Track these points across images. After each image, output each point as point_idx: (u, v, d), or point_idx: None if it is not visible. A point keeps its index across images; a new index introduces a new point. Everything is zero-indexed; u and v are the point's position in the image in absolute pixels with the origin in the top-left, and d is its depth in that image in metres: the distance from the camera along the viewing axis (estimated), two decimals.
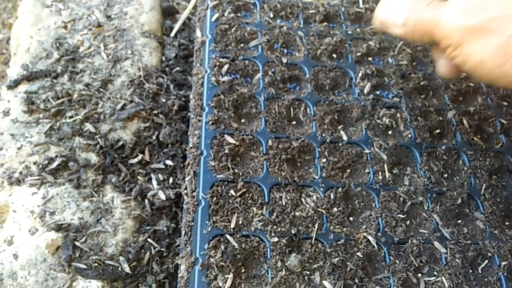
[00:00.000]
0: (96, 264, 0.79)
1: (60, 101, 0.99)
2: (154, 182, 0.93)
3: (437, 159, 1.01)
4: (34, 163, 0.90)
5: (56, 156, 0.91)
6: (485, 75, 0.73)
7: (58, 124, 0.96)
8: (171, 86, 1.09)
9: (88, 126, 0.96)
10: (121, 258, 0.81)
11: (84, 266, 0.78)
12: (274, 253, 0.82)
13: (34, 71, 1.04)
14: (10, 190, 0.89)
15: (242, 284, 0.77)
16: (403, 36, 0.87)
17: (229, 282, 0.76)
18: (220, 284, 0.76)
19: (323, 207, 0.90)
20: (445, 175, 1.00)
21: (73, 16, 1.17)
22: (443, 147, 1.03)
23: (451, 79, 1.13)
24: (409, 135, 1.03)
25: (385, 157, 0.98)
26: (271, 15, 1.22)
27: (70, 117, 0.97)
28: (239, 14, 1.22)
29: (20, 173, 0.89)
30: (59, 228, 0.82)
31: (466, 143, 1.05)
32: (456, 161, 1.02)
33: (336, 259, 0.83)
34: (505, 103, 1.15)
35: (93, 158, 0.93)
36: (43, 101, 0.99)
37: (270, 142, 0.97)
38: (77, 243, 0.81)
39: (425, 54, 1.20)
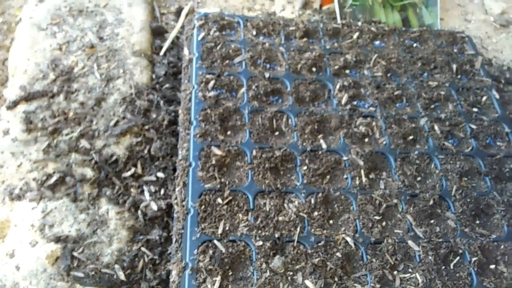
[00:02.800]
0: (93, 273, 0.85)
1: (56, 119, 1.05)
2: (147, 194, 0.99)
3: (411, 164, 1.09)
4: (33, 179, 0.96)
5: (54, 172, 0.97)
6: None
7: (55, 142, 1.02)
8: (161, 102, 1.16)
9: (84, 143, 1.02)
10: (116, 266, 0.87)
11: (82, 275, 0.84)
12: (259, 256, 0.88)
13: (32, 91, 1.10)
14: (11, 206, 0.94)
15: (230, 286, 0.84)
16: None
17: (217, 284, 0.83)
18: (209, 286, 0.82)
19: (305, 211, 0.96)
20: (418, 179, 1.07)
21: (67, 38, 1.24)
22: (416, 152, 1.11)
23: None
24: (384, 142, 1.11)
25: (362, 163, 1.05)
26: (254, 33, 1.29)
27: (66, 134, 1.03)
28: (224, 33, 1.29)
29: (20, 189, 0.95)
30: (58, 239, 0.87)
31: (437, 148, 1.12)
32: (429, 165, 1.10)
33: (317, 259, 0.89)
34: (475, 109, 1.23)
35: (89, 172, 0.99)
36: (41, 120, 1.05)
37: (254, 152, 1.04)
38: (75, 254, 0.86)
39: (398, 65, 1.28)
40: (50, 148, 1.01)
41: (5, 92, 2.08)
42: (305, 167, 1.04)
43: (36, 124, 1.05)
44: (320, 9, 1.52)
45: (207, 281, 0.83)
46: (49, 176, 0.97)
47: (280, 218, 0.95)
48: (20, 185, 0.96)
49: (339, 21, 1.39)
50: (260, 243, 0.90)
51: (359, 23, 1.37)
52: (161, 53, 1.31)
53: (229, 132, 1.08)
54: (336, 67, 1.24)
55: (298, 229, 0.93)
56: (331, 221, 0.97)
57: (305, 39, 1.30)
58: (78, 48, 1.22)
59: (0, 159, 1.00)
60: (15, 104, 1.09)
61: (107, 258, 0.88)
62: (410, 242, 0.95)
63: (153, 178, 1.02)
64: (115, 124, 1.07)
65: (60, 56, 1.20)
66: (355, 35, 1.33)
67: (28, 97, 1.10)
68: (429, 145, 1.12)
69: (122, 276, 0.86)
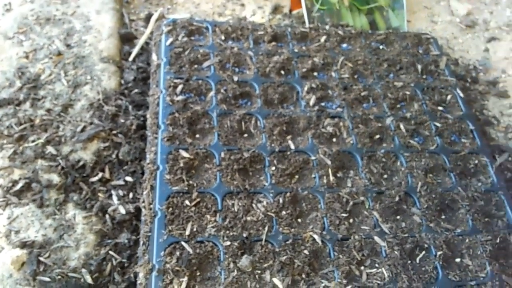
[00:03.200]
0: (59, 277, 0.84)
1: (22, 126, 1.04)
2: (115, 198, 0.99)
3: (377, 162, 1.11)
4: None
5: (20, 179, 0.96)
6: None
7: (21, 149, 1.01)
8: (130, 107, 1.16)
9: (50, 149, 1.02)
10: (83, 270, 0.86)
11: (48, 279, 0.83)
12: (226, 256, 0.89)
13: None
14: None
15: (197, 286, 0.84)
16: None
17: (184, 285, 0.83)
18: (176, 287, 0.82)
19: (273, 211, 0.97)
20: (385, 176, 1.09)
21: (34, 46, 1.23)
22: (382, 150, 1.13)
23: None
24: (351, 142, 1.13)
25: (329, 162, 1.07)
26: (223, 38, 1.31)
27: (33, 141, 1.03)
28: (192, 38, 1.30)
29: None
30: (23, 245, 0.87)
31: (403, 146, 1.15)
32: (395, 163, 1.12)
33: (285, 257, 0.90)
34: (440, 108, 1.26)
35: (55, 178, 0.98)
36: (7, 128, 1.04)
37: (222, 154, 1.05)
38: (41, 258, 0.86)
39: (365, 67, 1.31)
40: (16, 155, 1.00)
41: None
42: (273, 168, 1.05)
43: (2, 131, 1.04)
44: (290, 13, 1.54)
45: (173, 282, 0.83)
46: (15, 182, 0.96)
47: (249, 218, 0.95)
48: None
49: (307, 25, 1.42)
50: (228, 243, 0.90)
51: (327, 27, 1.40)
52: (130, 58, 1.31)
53: (197, 135, 1.09)
54: (304, 69, 1.26)
55: (266, 228, 0.94)
56: (299, 220, 0.98)
57: (273, 43, 1.32)
58: (45, 56, 1.22)
59: None
60: None
61: (74, 262, 0.88)
62: (376, 238, 0.97)
63: (121, 182, 1.02)
64: (82, 130, 1.07)
65: (26, 64, 1.20)
66: (323, 39, 1.35)
67: None
68: (395, 144, 1.15)
69: (89, 279, 0.85)
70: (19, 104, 1.10)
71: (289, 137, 1.12)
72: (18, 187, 0.95)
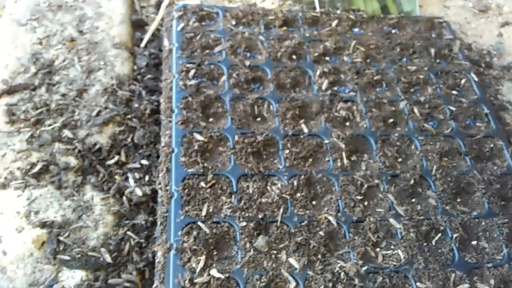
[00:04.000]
0: (79, 256, 0.85)
1: (39, 111, 1.06)
2: (131, 181, 1.00)
3: (391, 146, 1.11)
4: (18, 168, 0.97)
5: (38, 161, 0.97)
6: None
7: (38, 132, 1.02)
8: (143, 92, 1.17)
9: (67, 133, 1.03)
10: (102, 249, 0.87)
11: (68, 258, 0.84)
12: (243, 236, 0.89)
13: (14, 85, 1.10)
14: None
15: (214, 264, 0.85)
16: None
17: (201, 263, 0.84)
18: (194, 265, 0.83)
19: (287, 193, 0.98)
20: (399, 159, 1.09)
21: (47, 32, 1.24)
22: (396, 134, 1.13)
23: None
24: (365, 125, 1.13)
25: (343, 146, 1.07)
26: (234, 23, 1.31)
27: (49, 125, 1.04)
28: (203, 23, 1.31)
29: (5, 178, 0.95)
30: (43, 225, 0.88)
31: (417, 130, 1.14)
32: (409, 147, 1.12)
33: (300, 238, 0.91)
34: (454, 92, 1.26)
35: (72, 161, 0.99)
36: (23, 112, 1.05)
37: (236, 138, 1.05)
38: (61, 238, 0.87)
39: (377, 51, 1.30)
40: (33, 138, 1.02)
41: None
42: (287, 151, 1.05)
43: (19, 116, 1.05)
44: None
45: (191, 260, 0.84)
46: (33, 165, 0.97)
47: (263, 200, 0.96)
48: (5, 175, 0.96)
49: (318, 9, 1.42)
50: (244, 223, 0.91)
51: (338, 11, 1.39)
52: (142, 45, 1.32)
53: (211, 119, 1.09)
54: (316, 54, 1.26)
55: (281, 209, 0.95)
56: (313, 202, 0.99)
57: (284, 28, 1.32)
58: (58, 42, 1.23)
59: None
60: None
61: (93, 242, 0.89)
62: (391, 220, 0.97)
63: (137, 165, 1.03)
64: (98, 114, 1.08)
65: (40, 50, 1.21)
66: (334, 23, 1.35)
67: (10, 90, 1.10)
68: (409, 127, 1.14)
69: (108, 258, 0.86)
70: (34, 89, 1.11)
71: (302, 121, 1.12)
72: (36, 169, 0.96)
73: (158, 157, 1.07)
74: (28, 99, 1.09)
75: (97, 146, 1.03)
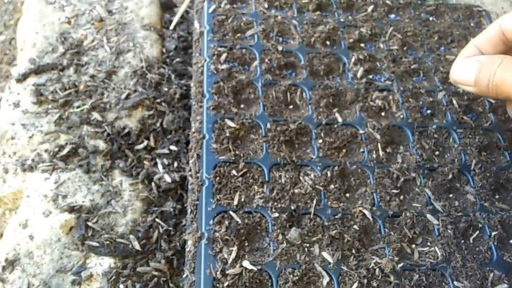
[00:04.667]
0: (108, 242, 0.83)
1: (67, 92, 1.03)
2: (160, 166, 0.98)
3: (428, 138, 1.06)
4: (45, 150, 0.95)
5: (66, 144, 0.96)
6: None
7: (66, 114, 1.00)
8: (172, 76, 1.14)
9: (95, 115, 1.00)
10: (131, 236, 0.86)
11: (97, 244, 0.83)
12: (275, 227, 0.87)
13: (41, 64, 1.08)
14: (23, 177, 0.93)
15: (246, 256, 0.82)
16: (478, 94, 0.88)
17: (233, 254, 0.81)
18: (226, 256, 0.81)
19: (321, 184, 0.94)
20: (437, 153, 1.05)
21: (75, 11, 1.21)
22: (434, 126, 1.08)
23: None
24: (401, 116, 1.08)
25: (378, 137, 1.03)
26: (266, 6, 1.26)
27: (78, 107, 1.02)
28: (234, 6, 1.26)
29: (33, 160, 0.94)
30: (71, 209, 0.86)
31: (456, 122, 1.09)
32: (447, 139, 1.07)
33: (334, 231, 0.88)
34: None
35: (101, 144, 0.97)
36: (51, 93, 1.03)
37: (268, 125, 1.02)
38: (89, 223, 0.85)
39: (415, 39, 1.25)
40: (61, 120, 1.00)
41: (12, 70, 2.07)
42: (320, 141, 1.01)
43: (47, 96, 1.03)
44: None
45: (223, 251, 0.81)
46: (61, 147, 0.95)
47: (296, 191, 0.93)
48: (32, 156, 0.94)
49: None
50: (276, 214, 0.88)
51: None
52: (171, 27, 1.28)
53: (242, 105, 1.06)
54: (351, 40, 1.21)
55: (315, 201, 0.91)
56: (347, 194, 0.95)
57: (318, 12, 1.27)
58: (87, 22, 1.20)
59: (11, 130, 0.99)
60: (24, 77, 1.08)
61: (122, 228, 0.87)
62: (429, 216, 0.93)
63: (166, 151, 1.01)
64: (127, 97, 1.05)
65: (69, 29, 1.18)
66: (370, 8, 1.29)
67: (38, 70, 1.08)
68: (447, 119, 1.10)
69: (137, 246, 0.84)
70: (63, 70, 1.08)
71: (335, 109, 1.08)
72: (64, 152, 0.94)
73: (186, 143, 1.05)
74: (56, 79, 1.06)
75: (126, 130, 1.00)
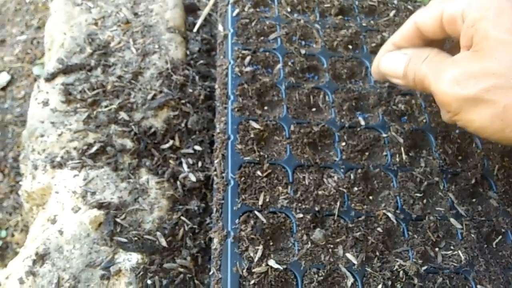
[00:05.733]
0: (136, 238, 0.85)
1: (95, 92, 1.06)
2: (185, 166, 0.99)
3: (451, 143, 1.06)
4: (74, 148, 0.97)
5: (95, 142, 0.98)
6: (488, 137, 0.76)
7: (94, 113, 1.02)
8: (196, 77, 1.15)
9: (123, 115, 1.02)
10: (158, 233, 0.87)
11: (125, 240, 0.84)
12: (299, 228, 0.88)
13: (70, 64, 1.11)
14: (53, 173, 0.95)
15: (272, 255, 0.83)
16: (407, 87, 0.89)
17: (259, 253, 0.82)
18: (252, 254, 0.82)
19: (344, 186, 0.95)
20: (459, 157, 1.05)
21: (102, 13, 1.24)
22: (457, 131, 1.08)
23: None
24: (424, 120, 1.09)
25: (401, 140, 1.04)
26: (289, 9, 1.28)
27: (105, 106, 1.04)
28: (258, 9, 1.28)
29: (62, 157, 0.96)
30: (100, 206, 0.88)
31: None
32: (470, 144, 1.07)
33: (358, 233, 0.88)
34: None
35: (128, 143, 0.99)
36: (80, 92, 1.06)
37: (292, 127, 1.03)
38: (118, 220, 0.87)
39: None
40: (90, 119, 1.02)
41: (34, 69, 2.11)
42: (343, 143, 1.02)
43: (75, 95, 1.06)
44: None
45: (249, 250, 0.82)
46: (90, 145, 0.97)
47: (320, 192, 0.94)
48: (61, 154, 0.96)
49: None
50: (301, 215, 0.89)
51: (395, 1, 1.35)
52: (195, 29, 1.31)
53: (266, 107, 1.07)
54: (373, 44, 1.22)
55: (338, 203, 0.92)
56: (371, 197, 0.96)
57: (340, 17, 1.28)
58: (114, 24, 1.23)
59: (40, 128, 1.01)
60: (53, 76, 1.10)
61: (149, 225, 0.89)
62: (452, 220, 0.94)
63: (190, 150, 1.02)
64: (153, 98, 1.07)
65: (96, 31, 1.21)
66: (392, 13, 1.30)
67: (66, 70, 1.11)
68: None
69: (164, 242, 0.86)
70: (90, 70, 1.11)
71: (358, 112, 1.09)
72: (93, 150, 0.96)
73: (210, 143, 1.06)
74: (84, 79, 1.09)
75: (152, 130, 1.02)
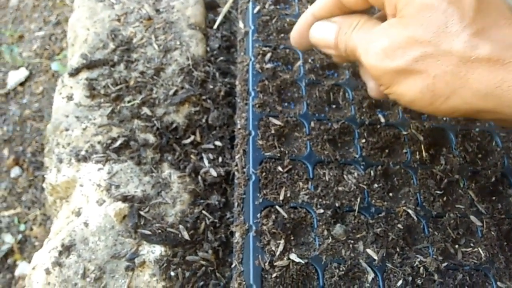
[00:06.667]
0: (159, 231, 0.87)
1: (118, 87, 1.07)
2: (206, 161, 1.01)
3: (471, 141, 1.07)
4: (99, 142, 0.99)
5: (118, 136, 0.99)
6: (420, 109, 0.73)
7: (118, 108, 1.04)
8: (217, 74, 1.17)
9: (145, 110, 1.04)
10: (180, 226, 0.89)
11: (149, 233, 0.86)
12: (320, 223, 0.89)
13: (93, 60, 1.13)
14: (78, 167, 0.97)
15: (293, 249, 0.85)
16: (340, 60, 0.85)
17: (281, 247, 0.84)
18: (273, 248, 0.83)
19: (364, 183, 0.96)
20: (479, 155, 1.05)
21: (125, 10, 1.26)
22: (477, 129, 1.08)
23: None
24: (444, 118, 1.09)
25: (421, 138, 1.04)
26: (309, 7, 1.28)
27: (129, 101, 1.06)
28: (278, 6, 1.29)
29: (86, 151, 0.98)
30: (124, 199, 0.90)
31: (498, 126, 1.09)
32: (490, 143, 1.07)
33: (378, 229, 0.89)
34: None
35: (151, 138, 1.01)
36: (103, 87, 1.08)
37: (312, 124, 1.04)
38: (142, 213, 0.89)
39: None
40: (113, 113, 1.04)
41: (52, 65, 2.15)
42: (363, 140, 1.03)
43: (99, 90, 1.08)
44: None
45: (271, 244, 0.84)
46: (114, 140, 0.99)
47: (340, 188, 0.95)
48: (86, 148, 0.98)
49: None
50: (321, 211, 0.90)
51: None
52: (215, 26, 1.32)
53: (286, 104, 1.08)
54: None
55: (359, 199, 0.93)
56: (391, 194, 0.97)
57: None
58: (136, 20, 1.24)
59: (65, 122, 1.03)
60: (77, 71, 1.12)
61: (172, 219, 0.90)
62: (472, 217, 0.94)
63: (211, 146, 1.04)
64: (175, 93, 1.09)
65: (118, 27, 1.23)
66: None
67: (90, 65, 1.13)
68: (490, 123, 1.10)
69: (186, 235, 0.87)
70: (113, 66, 1.13)
71: (378, 110, 1.09)
72: (117, 144, 0.98)
73: (230, 139, 1.08)
74: (108, 74, 1.11)
75: (174, 125, 1.04)
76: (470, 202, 0.96)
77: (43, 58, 2.12)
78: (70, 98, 1.08)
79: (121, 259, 0.84)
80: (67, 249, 0.86)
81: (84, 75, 1.12)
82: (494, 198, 0.99)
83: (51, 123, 1.06)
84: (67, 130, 1.02)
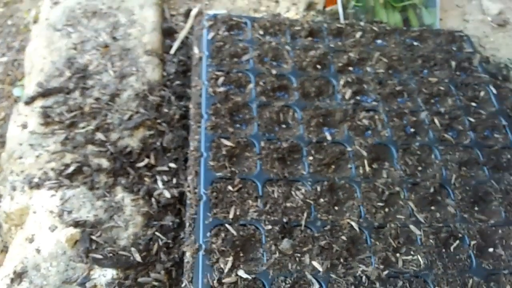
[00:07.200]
0: (111, 255, 0.89)
1: (73, 114, 1.10)
2: (160, 183, 1.04)
3: (412, 154, 1.13)
4: (52, 169, 1.01)
5: (72, 162, 1.02)
6: None
7: (72, 134, 1.07)
8: (172, 98, 1.21)
9: (99, 135, 1.07)
10: (132, 249, 0.91)
11: (101, 257, 0.88)
12: (268, 239, 0.93)
13: (48, 88, 1.15)
14: (30, 194, 0.99)
15: (241, 265, 0.88)
16: None
17: (229, 264, 0.87)
18: (222, 266, 0.87)
19: (311, 198, 1.01)
20: (419, 168, 1.12)
21: (82, 38, 1.29)
22: (417, 143, 1.15)
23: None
24: (386, 134, 1.16)
25: (365, 153, 1.10)
26: (261, 32, 1.35)
27: (83, 127, 1.08)
28: (232, 32, 1.35)
29: (39, 178, 1.00)
30: (76, 224, 0.92)
31: (437, 140, 1.17)
32: (429, 156, 1.14)
33: (323, 242, 0.94)
34: (473, 104, 1.28)
35: (105, 163, 1.03)
36: (58, 114, 1.10)
37: (262, 144, 1.09)
38: (93, 237, 0.91)
39: (400, 63, 1.33)
40: (67, 140, 1.06)
41: (14, 91, 2.14)
42: (311, 157, 1.08)
43: (53, 118, 1.10)
44: (324, 10, 1.57)
45: (220, 261, 0.87)
46: (67, 166, 1.01)
47: (288, 204, 0.99)
48: (39, 175, 1.00)
49: (342, 21, 1.45)
50: (269, 227, 0.94)
51: (362, 23, 1.43)
52: (171, 52, 1.37)
53: (238, 125, 1.13)
54: (340, 64, 1.29)
55: (305, 214, 0.98)
56: (336, 207, 1.02)
57: (310, 38, 1.36)
58: (92, 48, 1.28)
59: (19, 150, 1.05)
60: (32, 99, 1.15)
61: (124, 242, 0.93)
62: (411, 227, 0.99)
63: (165, 168, 1.07)
64: (129, 118, 1.12)
65: (75, 55, 1.26)
66: (358, 34, 1.38)
67: (45, 93, 1.15)
68: (430, 137, 1.17)
69: (138, 258, 0.90)
70: (69, 93, 1.15)
71: (325, 128, 1.15)
72: (70, 170, 1.01)
73: (185, 160, 1.11)
74: (63, 102, 1.13)
75: (128, 149, 1.07)
76: (410, 212, 1.02)
77: (5, 84, 2.11)
78: (24, 126, 1.09)
79: (73, 284, 0.86)
80: (19, 276, 0.87)
81: (39, 103, 1.14)
82: (432, 208, 1.05)
83: (5, 151, 1.07)
84: (20, 158, 1.04)
